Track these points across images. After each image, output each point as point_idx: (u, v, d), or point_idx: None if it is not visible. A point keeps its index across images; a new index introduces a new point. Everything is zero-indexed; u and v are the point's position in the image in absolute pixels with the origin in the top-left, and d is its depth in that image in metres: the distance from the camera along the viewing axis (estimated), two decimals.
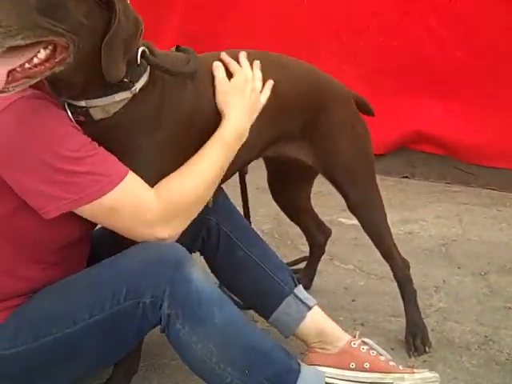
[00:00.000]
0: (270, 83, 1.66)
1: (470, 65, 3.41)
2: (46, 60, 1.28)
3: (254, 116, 1.62)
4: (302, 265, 2.38)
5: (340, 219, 2.96)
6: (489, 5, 3.33)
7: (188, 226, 1.54)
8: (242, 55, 1.66)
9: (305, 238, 2.39)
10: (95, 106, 1.41)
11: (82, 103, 1.40)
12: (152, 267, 1.42)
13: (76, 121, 1.42)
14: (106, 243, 1.56)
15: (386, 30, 3.49)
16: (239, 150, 1.61)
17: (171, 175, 1.48)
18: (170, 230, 1.47)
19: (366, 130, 1.92)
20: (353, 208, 1.93)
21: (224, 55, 1.65)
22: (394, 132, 3.54)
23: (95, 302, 1.42)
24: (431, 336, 2.00)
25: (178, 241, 1.51)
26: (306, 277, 2.29)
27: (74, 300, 1.46)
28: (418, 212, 3.19)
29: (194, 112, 1.54)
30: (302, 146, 1.81)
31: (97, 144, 1.41)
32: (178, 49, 1.63)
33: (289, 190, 2.17)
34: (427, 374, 1.72)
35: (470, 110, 3.47)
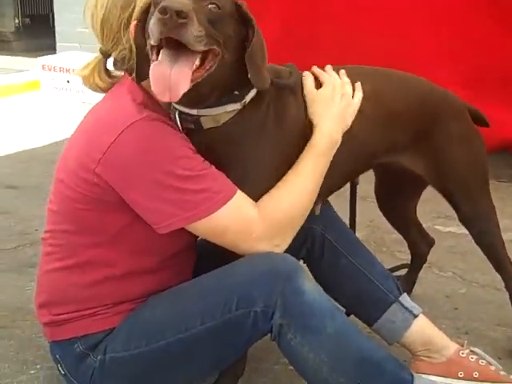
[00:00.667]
0: (359, 85, 1.66)
1: None
2: (198, 67, 1.35)
3: (349, 120, 1.63)
4: (400, 272, 2.36)
5: (436, 226, 2.91)
6: None
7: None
8: (329, 68, 1.67)
9: (400, 245, 2.37)
10: (207, 115, 1.47)
11: (194, 112, 1.47)
12: (264, 278, 1.44)
13: (185, 128, 1.49)
14: (211, 252, 1.59)
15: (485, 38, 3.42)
16: (349, 159, 1.63)
17: (271, 192, 1.51)
18: (275, 247, 1.50)
19: (481, 142, 1.89)
20: (464, 220, 1.90)
21: (315, 68, 1.67)
22: (494, 134, 3.44)
23: (207, 310, 1.46)
24: None
25: (284, 251, 1.53)
26: (406, 285, 2.25)
27: (185, 307, 1.50)
28: None
29: (296, 124, 1.57)
30: (413, 156, 1.80)
31: (208, 163, 1.46)
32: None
33: (397, 201, 2.16)
34: None
35: None
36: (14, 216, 3.19)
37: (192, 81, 1.33)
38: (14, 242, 2.84)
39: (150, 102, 1.48)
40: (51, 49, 7.58)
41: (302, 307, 1.43)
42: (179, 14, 1.24)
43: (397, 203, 2.17)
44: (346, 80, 1.66)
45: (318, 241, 1.83)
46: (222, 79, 1.43)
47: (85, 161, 1.45)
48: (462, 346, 1.74)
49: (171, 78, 1.30)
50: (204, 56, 1.36)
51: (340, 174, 1.69)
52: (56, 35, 7.57)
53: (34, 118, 5.46)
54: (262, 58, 1.46)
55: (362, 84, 1.67)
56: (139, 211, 1.44)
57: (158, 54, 1.34)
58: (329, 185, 1.65)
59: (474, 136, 1.88)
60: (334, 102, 1.61)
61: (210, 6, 1.34)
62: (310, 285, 1.46)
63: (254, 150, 1.50)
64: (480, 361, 1.70)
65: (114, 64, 1.57)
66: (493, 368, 1.68)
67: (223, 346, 1.50)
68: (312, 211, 1.60)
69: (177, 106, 1.48)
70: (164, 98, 1.31)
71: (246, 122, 1.49)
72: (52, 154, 4.27)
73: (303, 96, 1.61)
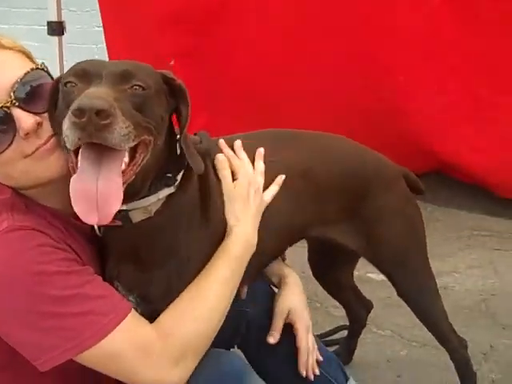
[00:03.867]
0: (281, 178, 1.47)
1: None
2: (128, 164, 1.12)
3: (259, 219, 1.43)
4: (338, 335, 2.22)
5: (368, 274, 2.77)
6: None
7: (225, 322, 1.36)
8: (238, 147, 1.45)
9: (335, 300, 2.21)
10: (138, 208, 1.23)
11: (124, 207, 1.20)
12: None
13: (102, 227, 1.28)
14: None
15: None
16: (276, 236, 1.47)
17: (175, 303, 1.27)
18: (180, 371, 1.25)
19: (416, 210, 1.74)
20: (403, 295, 1.75)
21: (225, 147, 1.44)
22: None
23: None
24: None
25: (215, 338, 1.32)
26: (346, 351, 2.14)
27: None
28: (450, 262, 3.01)
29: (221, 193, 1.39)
30: (344, 231, 1.63)
31: (92, 270, 1.23)
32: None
33: (331, 270, 2.01)
34: None
35: None
36: None
37: (123, 183, 1.09)
38: None
39: (17, 199, 1.24)
40: None
41: None
42: (100, 113, 0.99)
43: (331, 272, 2.02)
44: (260, 168, 1.45)
45: (254, 323, 1.62)
46: (156, 166, 1.21)
47: None
48: None
49: (98, 195, 1.06)
50: (133, 148, 1.12)
51: (268, 251, 1.50)
52: None
53: None
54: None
55: (287, 154, 1.50)
56: (14, 345, 1.18)
57: (76, 154, 1.09)
58: (256, 264, 1.46)
59: (409, 206, 1.72)
60: (249, 201, 1.40)
61: (134, 87, 1.12)
62: None
63: (190, 236, 1.30)
64: None
65: None
66: None
67: None
68: (238, 295, 1.40)
69: None
70: (91, 220, 1.07)
71: (178, 206, 1.28)
72: None
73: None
